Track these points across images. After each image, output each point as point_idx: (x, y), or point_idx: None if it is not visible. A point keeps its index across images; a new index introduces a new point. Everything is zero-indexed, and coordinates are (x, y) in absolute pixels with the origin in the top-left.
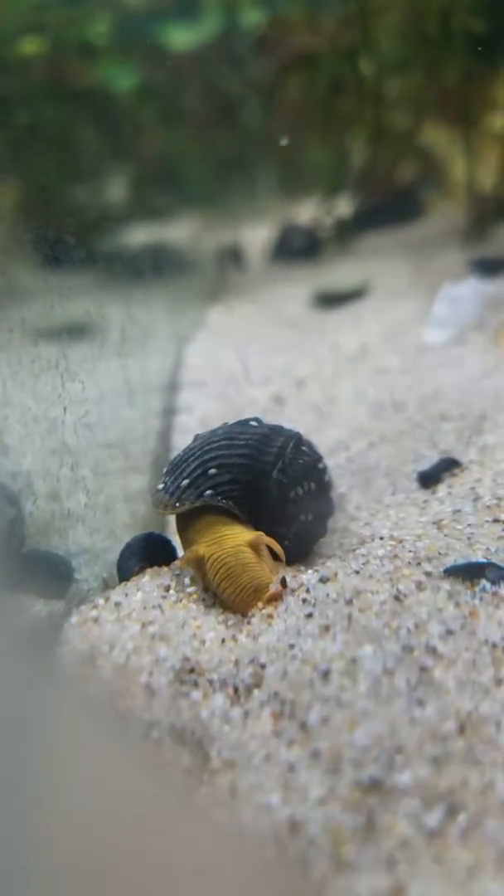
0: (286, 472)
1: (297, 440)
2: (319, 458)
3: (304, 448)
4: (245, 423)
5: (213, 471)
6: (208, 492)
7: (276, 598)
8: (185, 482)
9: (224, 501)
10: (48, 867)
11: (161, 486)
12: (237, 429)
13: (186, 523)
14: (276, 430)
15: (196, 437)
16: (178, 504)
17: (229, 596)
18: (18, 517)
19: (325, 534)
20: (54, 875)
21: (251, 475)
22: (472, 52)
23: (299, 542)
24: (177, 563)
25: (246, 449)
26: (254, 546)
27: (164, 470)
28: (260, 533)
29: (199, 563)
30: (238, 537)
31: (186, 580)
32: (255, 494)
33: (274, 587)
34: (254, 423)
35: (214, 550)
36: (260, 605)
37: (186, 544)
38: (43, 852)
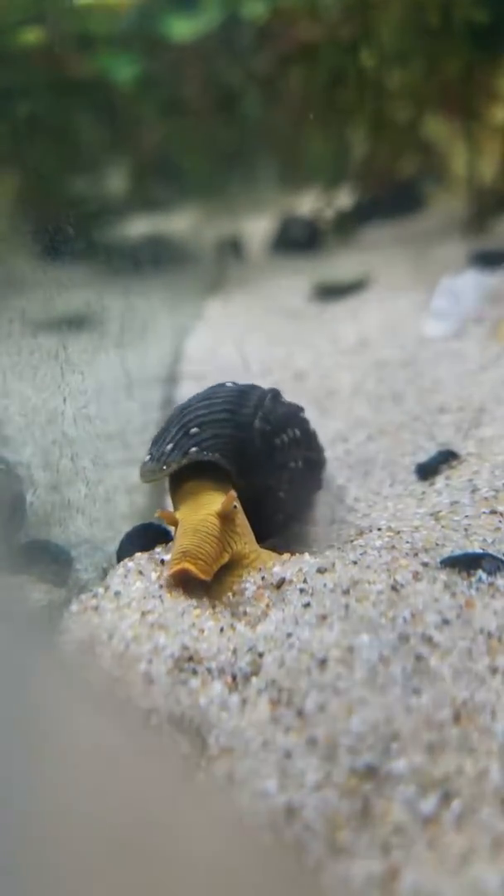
0: (268, 421)
1: (275, 393)
2: (300, 408)
3: (282, 400)
4: (220, 385)
5: (194, 430)
6: (193, 449)
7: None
8: (170, 446)
9: (210, 454)
10: (48, 852)
11: (147, 457)
12: (213, 390)
13: (176, 488)
14: (252, 387)
15: (174, 409)
16: (164, 467)
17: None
18: (20, 505)
19: (321, 486)
20: (54, 859)
21: (234, 428)
22: (473, 43)
23: (294, 493)
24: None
25: (225, 405)
26: (223, 515)
27: (149, 445)
28: (228, 495)
29: (174, 525)
30: (212, 506)
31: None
32: (240, 446)
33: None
34: (229, 384)
35: (187, 516)
36: (174, 569)
37: (175, 507)
38: (43, 837)
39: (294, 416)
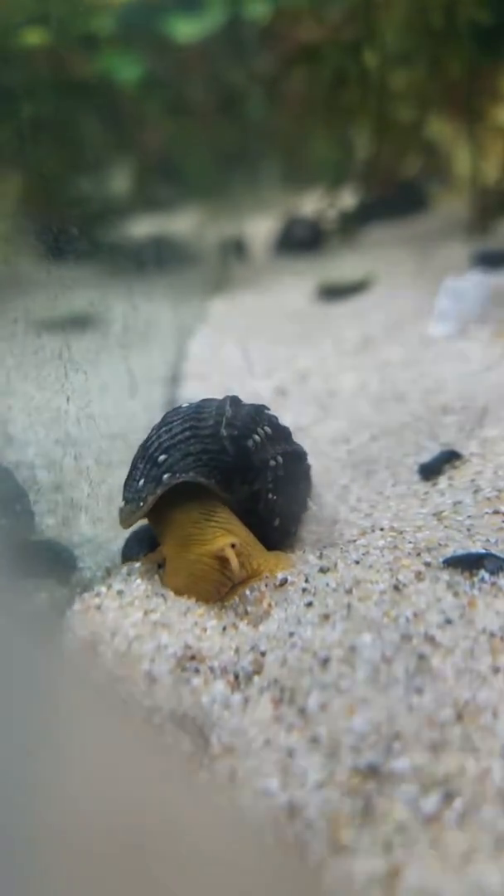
0: (234, 425)
1: (233, 398)
2: (263, 406)
3: (242, 402)
4: (174, 409)
5: (162, 457)
6: (165, 476)
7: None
8: (141, 482)
9: (184, 475)
10: (49, 851)
11: (122, 503)
12: (168, 415)
13: (160, 520)
14: (207, 400)
15: (138, 449)
16: (141, 504)
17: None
18: (25, 507)
19: (310, 485)
20: (55, 858)
21: (201, 443)
22: (477, 44)
23: (284, 492)
24: (143, 560)
25: (184, 424)
26: (221, 557)
27: (122, 490)
28: (226, 542)
29: (161, 561)
30: (206, 545)
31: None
32: (214, 460)
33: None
34: (184, 405)
35: (176, 553)
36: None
37: (161, 539)
38: (44, 837)
39: (259, 413)
